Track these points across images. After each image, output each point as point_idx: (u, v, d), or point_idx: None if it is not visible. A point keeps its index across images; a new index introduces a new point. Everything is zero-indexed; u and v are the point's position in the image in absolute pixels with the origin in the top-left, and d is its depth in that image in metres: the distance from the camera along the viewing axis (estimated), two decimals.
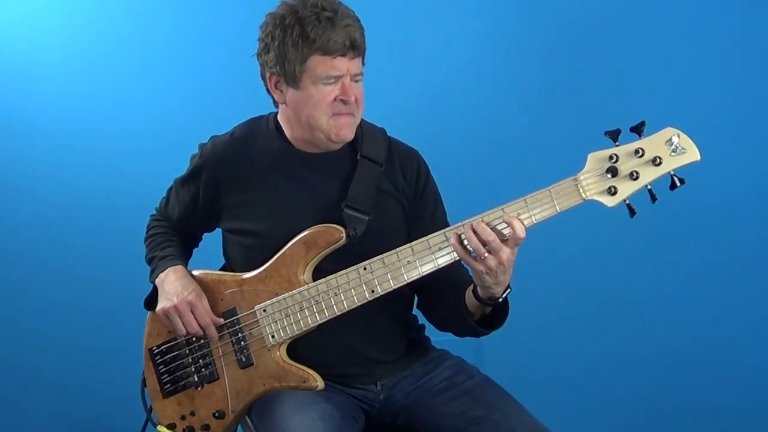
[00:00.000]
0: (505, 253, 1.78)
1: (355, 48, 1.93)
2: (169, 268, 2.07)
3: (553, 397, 3.12)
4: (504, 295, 1.88)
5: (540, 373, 3.20)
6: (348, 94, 1.94)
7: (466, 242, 1.82)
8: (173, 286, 2.03)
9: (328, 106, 1.95)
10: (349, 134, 2.00)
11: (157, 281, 2.08)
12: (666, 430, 3.28)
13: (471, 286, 1.92)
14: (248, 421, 2.08)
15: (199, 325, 2.01)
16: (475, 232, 1.80)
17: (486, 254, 1.79)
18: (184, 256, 2.17)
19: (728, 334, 3.22)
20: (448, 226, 2.07)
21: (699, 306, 3.23)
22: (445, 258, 1.89)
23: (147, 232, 2.23)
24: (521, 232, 1.78)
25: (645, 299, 3.24)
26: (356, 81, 1.97)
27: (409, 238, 1.95)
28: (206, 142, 2.11)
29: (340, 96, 1.94)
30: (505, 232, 1.80)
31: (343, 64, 1.93)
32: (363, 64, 1.99)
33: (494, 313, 1.95)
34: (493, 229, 1.80)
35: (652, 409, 3.26)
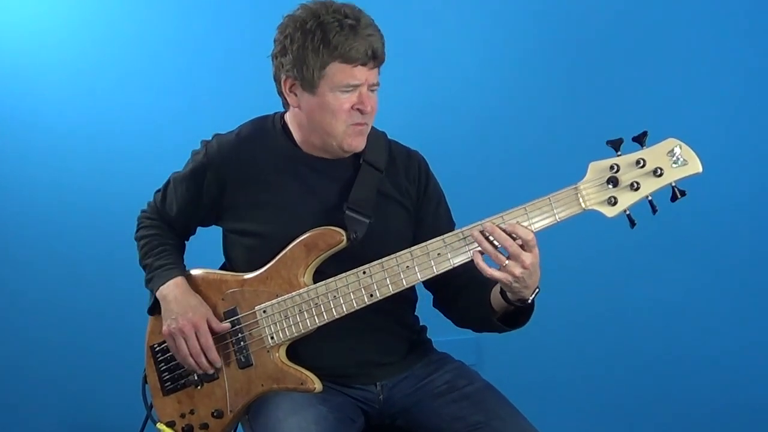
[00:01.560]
0: (527, 257, 1.77)
1: (375, 58, 1.91)
2: (170, 281, 2.06)
3: (553, 401, 3.12)
4: (533, 297, 1.87)
5: (540, 378, 3.19)
6: (365, 104, 1.93)
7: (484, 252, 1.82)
8: (178, 305, 2.02)
9: (344, 113, 1.93)
10: (361, 144, 2.00)
11: (158, 294, 2.06)
12: (663, 429, 3.27)
13: (497, 287, 1.90)
14: (247, 420, 2.08)
15: (201, 348, 2.00)
16: (487, 237, 1.79)
17: (506, 261, 1.78)
18: (181, 260, 2.16)
19: (729, 341, 3.21)
20: (452, 223, 2.10)
21: (700, 312, 3.22)
22: (443, 265, 1.88)
23: (138, 231, 2.20)
24: (527, 234, 1.77)
25: (646, 305, 3.23)
26: (372, 90, 1.96)
27: (414, 239, 1.94)
28: (210, 139, 2.10)
29: (356, 105, 1.93)
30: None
31: (363, 74, 1.91)
32: (379, 73, 1.98)
33: (517, 312, 1.93)
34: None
35: (653, 416, 3.25)
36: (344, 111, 1.93)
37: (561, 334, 3.20)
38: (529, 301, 1.87)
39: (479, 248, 1.83)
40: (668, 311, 3.23)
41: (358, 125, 1.96)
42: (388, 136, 2.13)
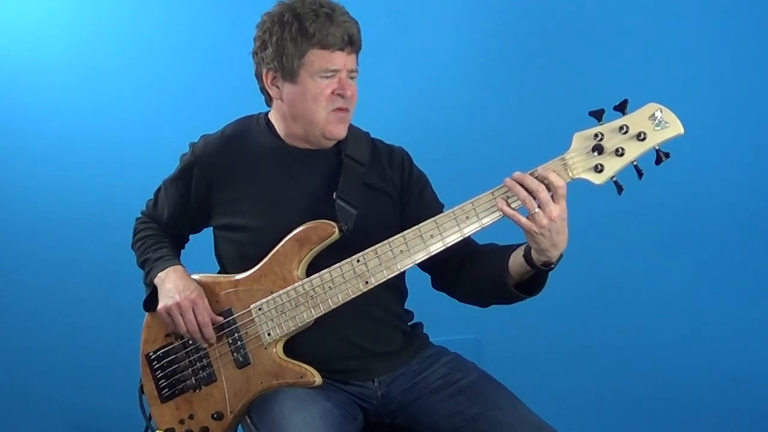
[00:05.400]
0: (555, 209, 1.76)
1: (352, 43, 1.97)
2: (169, 268, 2.08)
3: (553, 399, 3.06)
4: (557, 262, 1.85)
5: (540, 376, 3.18)
6: (345, 89, 1.98)
7: (511, 201, 1.81)
8: (175, 284, 2.03)
9: (325, 99, 1.98)
10: (342, 131, 2.04)
11: (156, 280, 2.07)
12: (664, 425, 3.27)
13: (519, 250, 1.89)
14: (248, 420, 2.07)
15: (198, 324, 2.00)
16: (521, 184, 1.78)
17: (536, 209, 1.77)
18: (178, 255, 2.18)
19: (730, 334, 3.24)
20: (440, 204, 2.12)
21: (701, 309, 3.25)
22: (436, 245, 1.90)
23: (135, 236, 2.23)
24: (558, 180, 1.77)
25: (645, 295, 3.25)
26: (351, 77, 2.01)
27: (401, 226, 1.96)
28: (197, 141, 2.13)
29: (337, 90, 1.98)
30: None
31: (341, 59, 1.97)
32: (357, 62, 2.03)
33: (531, 279, 1.92)
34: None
35: (650, 405, 3.26)
36: (325, 96, 1.98)
37: (561, 332, 3.21)
38: (554, 266, 1.85)
39: (505, 195, 1.82)
40: (670, 308, 3.25)
41: (339, 111, 2.00)
42: (371, 135, 2.17)
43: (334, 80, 1.98)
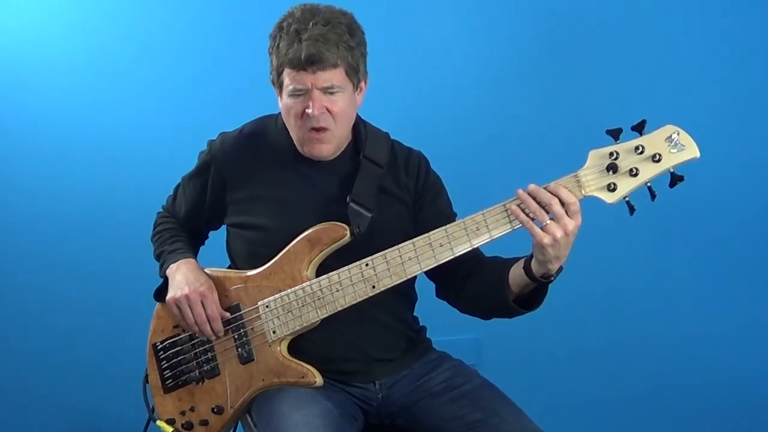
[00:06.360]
0: (570, 223, 1.77)
1: (315, 63, 1.89)
2: (181, 260, 2.09)
3: (552, 401, 3.10)
4: (556, 275, 1.85)
5: (539, 378, 3.17)
6: (311, 107, 1.92)
7: (527, 211, 1.81)
8: (186, 276, 2.04)
9: (297, 119, 1.96)
10: (322, 151, 2.00)
11: (168, 272, 2.08)
12: (665, 427, 3.24)
13: (519, 263, 1.90)
14: (248, 418, 2.08)
15: (207, 317, 2.01)
16: (534, 197, 1.79)
17: (549, 220, 1.77)
18: (193, 250, 2.19)
19: (731, 335, 3.21)
20: (452, 213, 2.12)
21: (700, 304, 3.22)
22: (445, 254, 1.90)
23: (154, 229, 2.25)
24: (570, 197, 1.77)
25: (646, 295, 3.22)
26: (330, 93, 1.94)
27: (415, 232, 1.95)
28: (215, 138, 2.14)
29: (307, 109, 1.94)
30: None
31: (306, 79, 1.91)
32: (349, 74, 1.96)
33: (531, 294, 1.92)
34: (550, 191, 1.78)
35: (653, 414, 3.24)
36: (296, 116, 1.95)
37: (561, 333, 3.19)
38: (553, 278, 1.86)
39: (518, 203, 1.82)
40: (670, 309, 3.22)
41: (314, 131, 1.96)
42: (391, 137, 2.16)
43: (306, 99, 1.93)
